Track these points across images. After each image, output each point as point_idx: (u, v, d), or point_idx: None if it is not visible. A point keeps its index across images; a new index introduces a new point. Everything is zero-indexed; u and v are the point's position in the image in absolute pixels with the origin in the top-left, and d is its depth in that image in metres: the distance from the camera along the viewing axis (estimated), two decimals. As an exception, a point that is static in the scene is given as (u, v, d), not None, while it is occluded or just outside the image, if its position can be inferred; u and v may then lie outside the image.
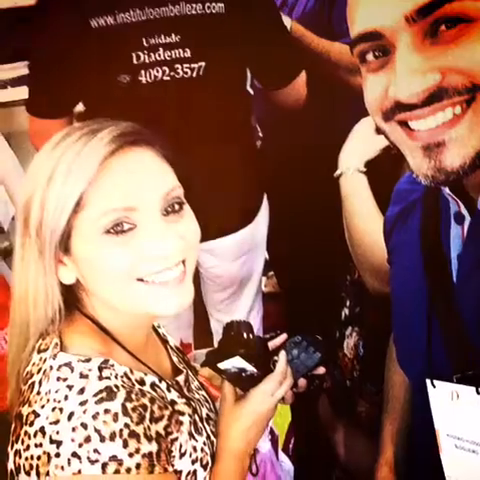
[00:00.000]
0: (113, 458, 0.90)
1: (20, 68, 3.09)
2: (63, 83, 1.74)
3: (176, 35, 1.73)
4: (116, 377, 0.98)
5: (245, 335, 1.20)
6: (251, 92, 2.17)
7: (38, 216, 0.99)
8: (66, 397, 0.93)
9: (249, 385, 1.21)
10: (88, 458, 0.90)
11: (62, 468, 0.90)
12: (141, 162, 1.01)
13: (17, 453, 0.95)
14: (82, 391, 0.94)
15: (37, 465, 0.92)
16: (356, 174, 1.58)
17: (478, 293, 0.92)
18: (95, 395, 0.93)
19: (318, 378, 1.30)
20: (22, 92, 2.39)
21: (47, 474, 0.91)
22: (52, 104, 1.80)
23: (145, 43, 1.72)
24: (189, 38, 1.75)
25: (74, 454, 0.90)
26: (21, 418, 0.96)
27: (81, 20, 1.67)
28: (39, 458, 0.92)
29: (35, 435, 0.93)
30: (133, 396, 0.97)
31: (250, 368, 1.19)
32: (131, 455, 0.92)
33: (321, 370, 1.28)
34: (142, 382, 1.05)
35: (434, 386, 0.96)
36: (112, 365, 1.00)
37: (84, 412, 0.91)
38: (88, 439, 0.90)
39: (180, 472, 1.06)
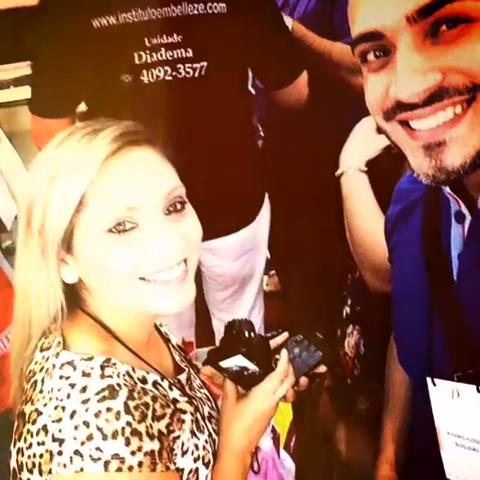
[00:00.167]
0: (115, 456, 0.91)
1: (23, 68, 3.09)
2: (65, 83, 1.75)
3: (178, 35, 1.74)
4: (118, 375, 0.98)
5: (247, 334, 1.21)
6: (253, 92, 2.17)
7: (41, 215, 0.99)
8: (68, 395, 0.94)
9: (251, 383, 1.21)
10: (90, 456, 0.90)
11: (64, 466, 0.90)
12: (143, 161, 1.02)
13: (20, 451, 0.96)
14: (84, 389, 0.94)
15: (40, 463, 0.92)
16: (357, 173, 1.58)
17: (478, 292, 0.92)
18: (97, 393, 0.94)
19: (319, 377, 1.30)
20: (25, 92, 2.40)
21: (49, 472, 0.91)
22: (54, 104, 1.80)
23: (147, 43, 1.72)
24: (191, 38, 1.75)
25: (76, 452, 0.90)
26: (24, 416, 0.97)
27: (83, 20, 1.68)
28: (42, 456, 0.92)
29: (38, 433, 0.93)
30: (135, 394, 0.97)
31: (252, 366, 1.19)
32: (133, 453, 0.92)
33: (322, 369, 1.28)
34: (144, 380, 1.05)
35: (435, 384, 0.97)
36: (114, 364, 1.00)
37: (86, 410, 0.92)
38: (90, 437, 0.90)
39: (182, 470, 1.06)
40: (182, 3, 1.72)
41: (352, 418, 1.71)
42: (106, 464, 0.90)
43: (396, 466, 1.29)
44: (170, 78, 1.76)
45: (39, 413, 0.94)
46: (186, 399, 1.14)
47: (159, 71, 1.74)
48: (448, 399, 0.95)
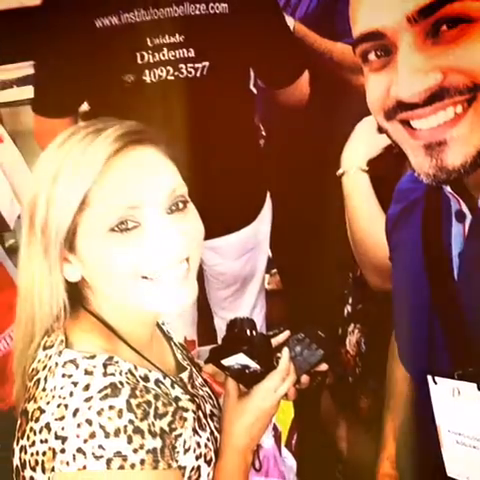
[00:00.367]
0: (118, 454, 0.91)
1: (26, 68, 3.10)
2: (68, 83, 1.75)
3: (180, 35, 1.74)
4: (120, 374, 0.99)
5: (248, 332, 1.21)
6: (254, 91, 2.17)
7: (44, 214, 0.99)
8: (71, 393, 0.94)
9: (252, 382, 1.22)
10: (93, 454, 0.90)
11: (67, 464, 0.91)
12: (145, 161, 1.02)
13: (23, 449, 0.96)
14: (87, 387, 0.94)
15: (42, 461, 0.93)
16: (358, 173, 1.59)
17: (479, 290, 0.92)
18: (100, 391, 0.94)
19: (321, 375, 1.31)
20: (28, 92, 2.40)
21: (52, 470, 0.92)
22: (57, 103, 1.81)
23: (149, 43, 1.73)
24: (193, 38, 1.76)
25: (79, 450, 0.90)
26: (27, 414, 0.97)
27: (86, 20, 1.68)
28: (44, 454, 0.93)
29: (40, 431, 0.93)
30: (137, 392, 0.97)
31: (253, 365, 1.19)
32: (135, 451, 0.92)
33: (324, 367, 1.29)
34: (146, 379, 1.06)
35: (435, 382, 0.97)
36: (117, 362, 1.00)
37: (89, 408, 0.92)
38: (93, 435, 0.91)
39: (184, 468, 1.06)
40: (184, 3, 1.73)
41: (353, 416, 1.71)
42: (108, 462, 0.90)
43: (397, 463, 1.29)
44: (172, 78, 1.77)
45: (42, 411, 0.94)
46: (188, 397, 1.14)
47: (161, 71, 1.75)
48: (449, 397, 0.96)
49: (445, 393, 0.96)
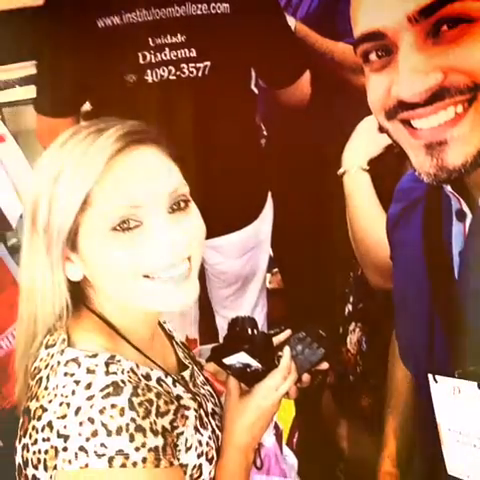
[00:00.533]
0: (119, 452, 0.91)
1: (28, 67, 3.10)
2: (70, 82, 1.76)
3: (182, 35, 1.75)
4: (122, 372, 0.99)
5: (250, 331, 1.21)
6: (256, 91, 2.17)
7: (46, 214, 1.00)
8: (73, 392, 0.94)
9: (254, 380, 1.22)
10: (95, 452, 0.91)
11: (69, 462, 0.91)
12: (147, 160, 1.02)
13: (25, 447, 0.97)
14: (89, 386, 0.95)
15: (45, 459, 0.93)
16: (359, 172, 1.59)
17: (479, 289, 0.92)
18: (102, 390, 0.94)
19: (321, 373, 1.31)
20: (30, 91, 2.40)
21: (55, 468, 0.92)
22: (59, 103, 1.81)
23: (151, 43, 1.73)
24: (195, 38, 1.76)
25: (81, 448, 0.91)
26: (29, 413, 0.97)
27: (88, 20, 1.69)
28: (47, 452, 0.93)
29: (43, 429, 0.94)
30: (139, 391, 0.97)
31: (255, 363, 1.20)
32: (137, 449, 0.92)
33: (325, 365, 1.29)
34: (148, 377, 1.06)
35: (436, 381, 0.97)
36: (119, 360, 1.01)
37: (91, 407, 0.92)
38: (95, 433, 0.91)
39: (186, 466, 1.06)
40: (186, 3, 1.73)
41: (354, 415, 1.71)
42: (110, 460, 0.91)
43: (398, 462, 1.29)
44: (174, 78, 1.77)
45: (44, 409, 0.95)
46: (190, 396, 1.14)
47: (163, 71, 1.75)
48: (449, 396, 0.96)
49: (446, 392, 0.96)
